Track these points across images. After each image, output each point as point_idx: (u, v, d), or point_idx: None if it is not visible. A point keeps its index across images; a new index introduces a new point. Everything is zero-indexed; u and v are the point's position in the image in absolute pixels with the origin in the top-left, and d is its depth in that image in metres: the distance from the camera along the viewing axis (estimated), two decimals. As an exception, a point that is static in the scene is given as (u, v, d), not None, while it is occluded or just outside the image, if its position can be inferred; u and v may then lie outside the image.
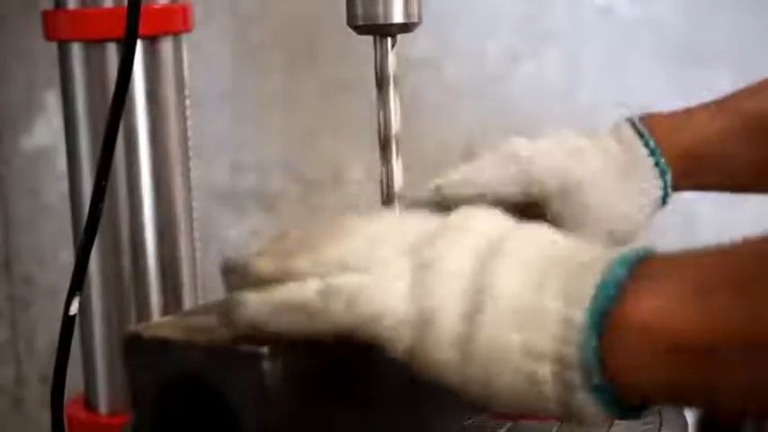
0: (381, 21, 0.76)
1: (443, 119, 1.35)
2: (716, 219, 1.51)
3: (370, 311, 0.55)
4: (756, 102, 0.83)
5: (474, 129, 1.37)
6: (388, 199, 0.79)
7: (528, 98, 1.39)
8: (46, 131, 1.16)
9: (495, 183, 0.77)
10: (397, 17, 0.76)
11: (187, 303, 0.92)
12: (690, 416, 0.93)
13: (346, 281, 0.55)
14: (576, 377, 0.51)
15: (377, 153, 0.79)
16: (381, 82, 0.78)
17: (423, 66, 1.30)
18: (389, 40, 0.78)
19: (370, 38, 0.78)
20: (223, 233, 1.25)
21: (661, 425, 0.78)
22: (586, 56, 1.41)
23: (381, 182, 0.79)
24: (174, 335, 0.62)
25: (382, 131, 0.79)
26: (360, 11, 0.76)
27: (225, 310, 0.60)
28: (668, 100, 1.45)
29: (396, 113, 0.79)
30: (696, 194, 1.48)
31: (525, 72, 1.38)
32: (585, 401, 0.51)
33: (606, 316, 0.50)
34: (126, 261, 0.89)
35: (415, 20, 0.77)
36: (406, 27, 0.77)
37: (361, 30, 0.77)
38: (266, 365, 0.59)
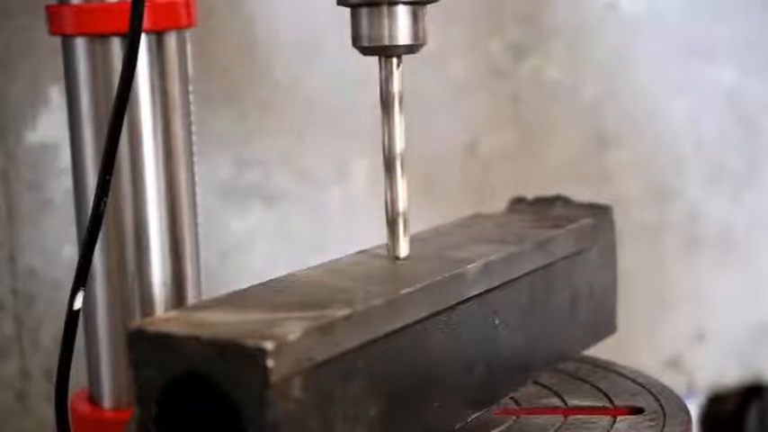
0: (387, 42, 0.76)
1: (447, 114, 1.35)
2: (720, 216, 1.51)
3: None
4: None
5: (478, 125, 1.37)
6: (392, 219, 0.79)
7: (532, 94, 1.39)
8: (50, 126, 1.16)
9: None
10: (403, 39, 0.76)
11: (190, 299, 0.92)
12: (694, 410, 0.93)
13: None
14: None
15: (380, 150, 0.79)
16: (386, 102, 0.78)
17: (426, 61, 1.30)
18: (395, 59, 0.77)
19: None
20: (226, 229, 1.25)
21: (665, 420, 0.79)
22: (590, 51, 1.41)
23: (386, 202, 0.79)
24: (177, 330, 0.62)
25: (386, 151, 0.78)
26: (365, 33, 0.76)
27: None
28: (672, 96, 1.46)
29: (401, 133, 0.78)
30: (700, 192, 1.48)
31: (529, 68, 1.38)
32: None
33: None
34: (130, 256, 0.89)
35: (421, 41, 0.77)
36: (412, 48, 0.77)
37: (366, 51, 0.77)
38: (270, 361, 0.59)
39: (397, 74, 0.77)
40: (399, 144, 0.78)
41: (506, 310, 0.80)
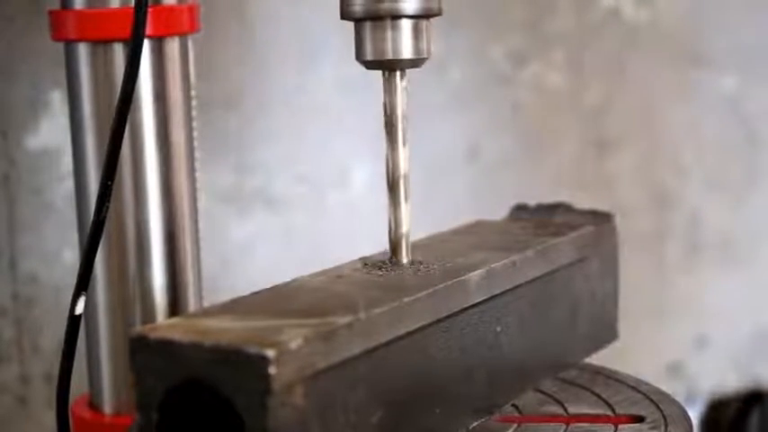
0: (390, 56, 0.76)
1: (448, 121, 1.35)
2: (720, 219, 1.51)
3: None
4: None
5: (479, 131, 1.37)
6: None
7: (533, 100, 1.39)
8: (51, 131, 1.16)
9: None
10: (407, 53, 0.76)
11: (192, 305, 0.92)
12: (694, 418, 0.93)
13: None
14: None
15: (383, 153, 0.79)
16: (390, 114, 0.78)
17: (428, 67, 1.30)
18: (398, 73, 0.77)
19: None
20: (228, 234, 1.25)
21: (666, 427, 0.78)
22: (592, 58, 1.41)
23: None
24: (179, 336, 0.62)
25: (390, 165, 0.78)
26: (368, 46, 0.76)
27: None
28: (673, 102, 1.46)
29: (404, 146, 0.78)
30: (700, 195, 1.48)
31: (530, 74, 1.38)
32: None
33: None
34: (131, 261, 0.89)
35: (425, 55, 0.77)
36: (415, 62, 0.77)
37: (369, 65, 0.77)
38: (272, 368, 0.59)
39: (400, 87, 0.77)
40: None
41: (508, 318, 0.80)
